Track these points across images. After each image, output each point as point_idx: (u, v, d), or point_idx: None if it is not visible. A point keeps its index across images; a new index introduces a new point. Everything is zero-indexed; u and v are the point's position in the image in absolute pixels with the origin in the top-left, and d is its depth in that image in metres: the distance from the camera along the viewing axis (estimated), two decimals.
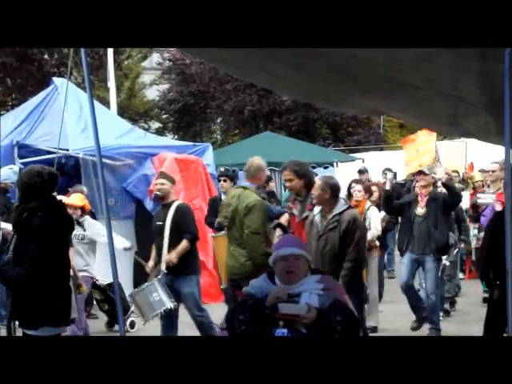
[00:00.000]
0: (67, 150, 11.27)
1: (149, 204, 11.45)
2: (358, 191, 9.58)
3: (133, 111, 30.66)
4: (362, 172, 14.76)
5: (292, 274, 4.54)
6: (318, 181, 7.23)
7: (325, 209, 7.04)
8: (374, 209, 9.65)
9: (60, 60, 25.44)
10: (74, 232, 7.77)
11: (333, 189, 7.04)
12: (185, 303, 7.89)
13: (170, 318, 7.79)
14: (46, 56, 26.84)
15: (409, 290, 8.75)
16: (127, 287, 9.70)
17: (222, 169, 9.50)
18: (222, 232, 8.25)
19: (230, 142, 30.54)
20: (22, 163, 10.50)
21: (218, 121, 33.56)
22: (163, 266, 7.79)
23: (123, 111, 24.99)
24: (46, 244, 4.97)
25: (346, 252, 6.86)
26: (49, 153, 10.97)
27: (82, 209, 8.76)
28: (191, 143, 14.06)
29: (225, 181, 9.19)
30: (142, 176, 11.77)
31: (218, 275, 9.82)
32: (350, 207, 7.18)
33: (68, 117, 11.37)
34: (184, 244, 7.78)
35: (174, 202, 8.01)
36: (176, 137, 30.50)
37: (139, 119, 31.39)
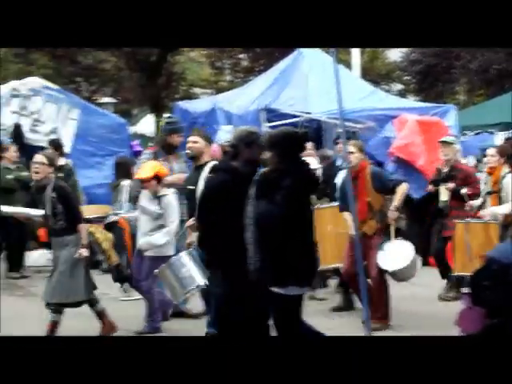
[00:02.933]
0: (310, 114, 11.57)
1: (390, 167, 11.43)
2: (492, 156, 8.39)
3: (375, 73, 30.59)
4: None
5: None
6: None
7: None
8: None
9: None
10: (145, 205, 7.26)
11: None
12: None
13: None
14: None
15: None
16: None
17: None
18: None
19: (473, 102, 29.43)
20: (269, 127, 10.94)
21: (462, 81, 32.45)
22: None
23: (365, 73, 25.00)
24: (294, 205, 5.02)
25: None
26: (294, 116, 11.33)
27: (157, 178, 7.21)
28: (434, 104, 13.78)
29: None
30: (382, 139, 11.76)
31: None
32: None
33: (311, 80, 11.66)
34: None
35: (207, 162, 6.66)
36: (418, 98, 29.99)
37: (381, 81, 31.27)
